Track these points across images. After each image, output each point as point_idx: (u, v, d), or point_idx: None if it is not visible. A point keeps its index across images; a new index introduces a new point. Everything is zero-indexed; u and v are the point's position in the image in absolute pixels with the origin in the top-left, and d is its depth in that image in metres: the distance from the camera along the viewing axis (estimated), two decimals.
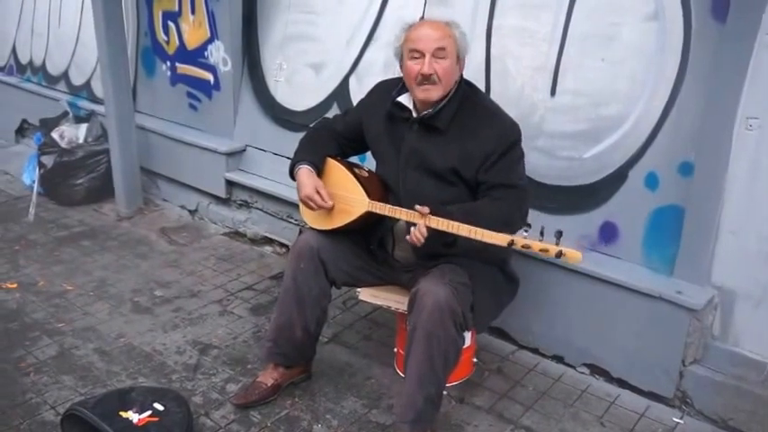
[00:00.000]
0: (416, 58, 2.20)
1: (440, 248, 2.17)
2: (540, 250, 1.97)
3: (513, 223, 2.11)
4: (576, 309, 2.69)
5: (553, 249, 1.95)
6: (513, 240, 1.98)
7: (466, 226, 2.03)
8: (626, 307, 2.53)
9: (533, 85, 2.77)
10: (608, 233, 2.65)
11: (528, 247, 1.98)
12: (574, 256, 1.95)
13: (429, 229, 2.08)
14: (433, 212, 2.08)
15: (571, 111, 2.68)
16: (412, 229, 2.11)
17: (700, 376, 2.46)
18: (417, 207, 2.08)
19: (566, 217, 2.70)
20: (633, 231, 2.59)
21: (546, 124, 2.74)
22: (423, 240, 2.09)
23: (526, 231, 2.01)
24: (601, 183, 2.64)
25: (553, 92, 2.72)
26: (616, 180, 2.61)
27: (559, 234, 1.96)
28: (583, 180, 2.69)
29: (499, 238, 2.00)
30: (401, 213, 2.20)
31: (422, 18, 2.97)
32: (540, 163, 2.71)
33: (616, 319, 2.58)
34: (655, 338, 2.49)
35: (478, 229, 2.02)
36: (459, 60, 2.27)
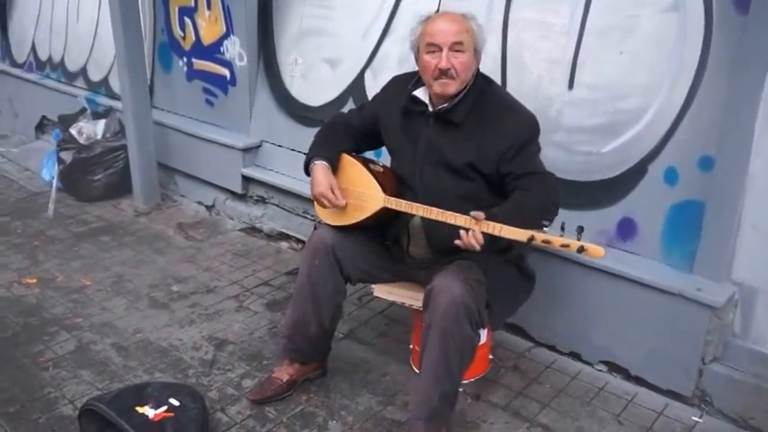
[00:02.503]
0: (433, 52, 2.18)
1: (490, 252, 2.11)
2: (562, 246, 1.93)
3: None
4: (594, 305, 2.65)
5: (574, 245, 1.92)
6: (533, 236, 1.94)
7: (483, 222, 2.00)
8: (644, 304, 2.50)
9: (550, 79, 2.73)
10: (626, 229, 2.61)
11: (548, 242, 1.94)
12: (596, 251, 1.92)
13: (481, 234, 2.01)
14: (488, 217, 2.00)
15: (589, 104, 2.64)
16: (462, 233, 2.02)
17: (719, 374, 2.42)
18: (473, 213, 2.00)
19: (583, 212, 2.66)
20: (652, 227, 2.55)
21: (563, 118, 2.71)
22: (478, 248, 2.01)
23: (546, 227, 1.97)
24: (619, 178, 2.61)
25: (571, 85, 2.69)
26: (634, 175, 2.57)
27: (581, 229, 1.93)
28: (601, 175, 2.65)
29: (519, 234, 1.96)
30: (452, 218, 2.09)
31: (437, 11, 2.94)
32: (557, 157, 2.67)
33: (634, 316, 2.54)
34: (674, 336, 2.45)
35: (497, 225, 1.98)
36: (477, 54, 2.24)
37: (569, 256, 2.61)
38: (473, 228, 2.01)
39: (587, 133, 2.66)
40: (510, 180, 2.19)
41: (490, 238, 2.02)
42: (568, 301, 2.72)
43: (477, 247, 2.01)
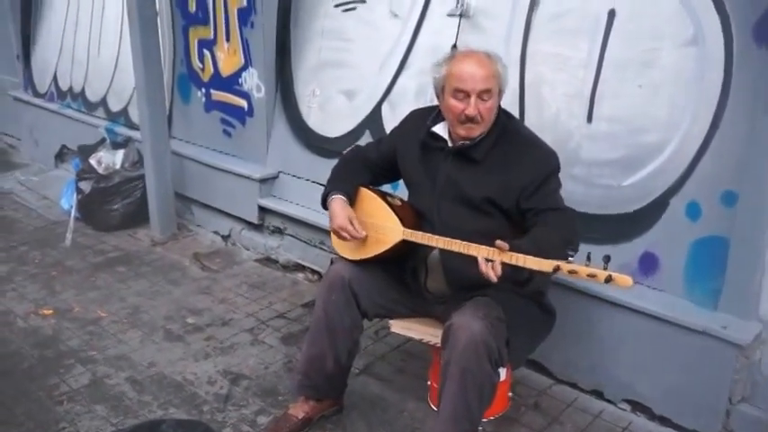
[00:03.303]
0: (461, 98, 2.16)
1: (510, 286, 2.09)
2: (588, 276, 1.87)
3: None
4: (617, 342, 2.60)
5: (602, 275, 1.86)
6: (558, 266, 1.89)
7: (507, 253, 1.95)
8: (669, 341, 2.44)
9: (569, 112, 2.72)
10: (648, 264, 2.57)
11: (575, 272, 1.87)
12: (624, 280, 1.86)
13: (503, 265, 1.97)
14: (512, 248, 1.96)
15: (608, 138, 2.62)
16: (481, 261, 1.98)
17: (747, 415, 2.35)
18: (498, 243, 1.96)
19: (603, 247, 2.62)
20: (675, 262, 2.50)
21: (582, 152, 2.68)
22: (495, 280, 1.97)
23: (572, 257, 1.92)
24: (639, 212, 2.57)
25: (589, 118, 2.67)
26: (655, 209, 2.53)
27: (607, 259, 1.88)
28: (621, 209, 2.62)
29: (545, 264, 1.91)
30: (475, 249, 2.03)
31: (455, 45, 2.95)
32: (576, 191, 2.65)
33: (658, 353, 2.48)
34: (699, 375, 2.39)
35: (521, 256, 1.94)
36: (500, 94, 2.23)
37: (590, 291, 2.58)
38: (495, 258, 1.97)
39: (607, 167, 2.63)
40: (531, 216, 2.16)
41: (512, 270, 1.97)
42: (590, 337, 2.66)
43: (495, 279, 1.97)
